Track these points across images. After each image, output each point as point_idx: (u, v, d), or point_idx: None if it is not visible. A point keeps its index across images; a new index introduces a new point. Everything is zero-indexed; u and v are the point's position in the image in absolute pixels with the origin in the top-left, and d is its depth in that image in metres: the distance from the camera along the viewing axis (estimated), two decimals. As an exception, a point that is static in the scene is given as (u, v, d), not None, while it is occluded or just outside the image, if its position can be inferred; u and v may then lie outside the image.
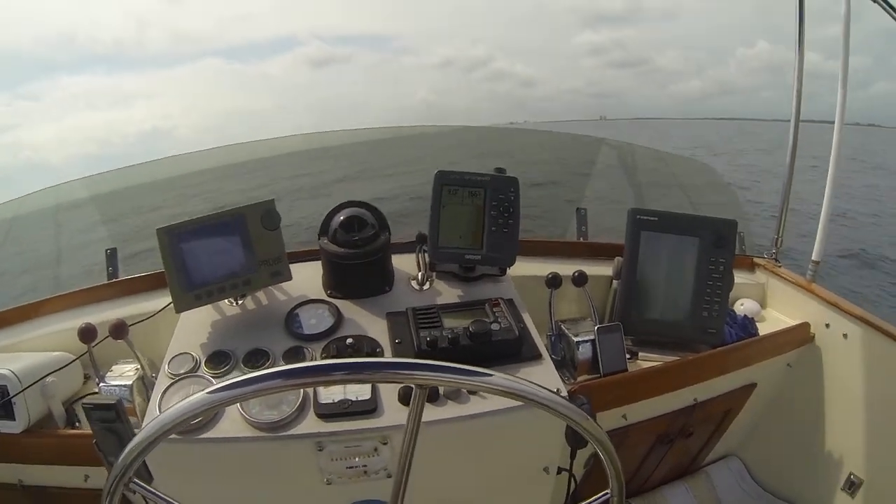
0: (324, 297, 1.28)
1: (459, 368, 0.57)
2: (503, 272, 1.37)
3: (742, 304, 1.72)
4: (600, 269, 1.62)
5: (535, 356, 1.12)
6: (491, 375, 0.58)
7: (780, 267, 1.83)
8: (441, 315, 1.16)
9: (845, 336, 1.58)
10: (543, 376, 1.09)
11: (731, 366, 1.51)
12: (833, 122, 1.68)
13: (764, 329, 1.65)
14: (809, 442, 1.72)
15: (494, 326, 1.10)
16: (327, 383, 0.58)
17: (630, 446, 1.55)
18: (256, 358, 1.11)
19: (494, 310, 1.17)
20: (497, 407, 1.00)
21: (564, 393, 1.07)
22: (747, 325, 1.59)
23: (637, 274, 1.49)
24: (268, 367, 0.80)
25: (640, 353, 1.46)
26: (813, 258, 1.78)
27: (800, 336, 1.66)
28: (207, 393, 0.54)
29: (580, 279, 1.43)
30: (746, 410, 1.74)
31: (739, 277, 1.84)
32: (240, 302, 1.28)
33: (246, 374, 0.54)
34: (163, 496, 0.69)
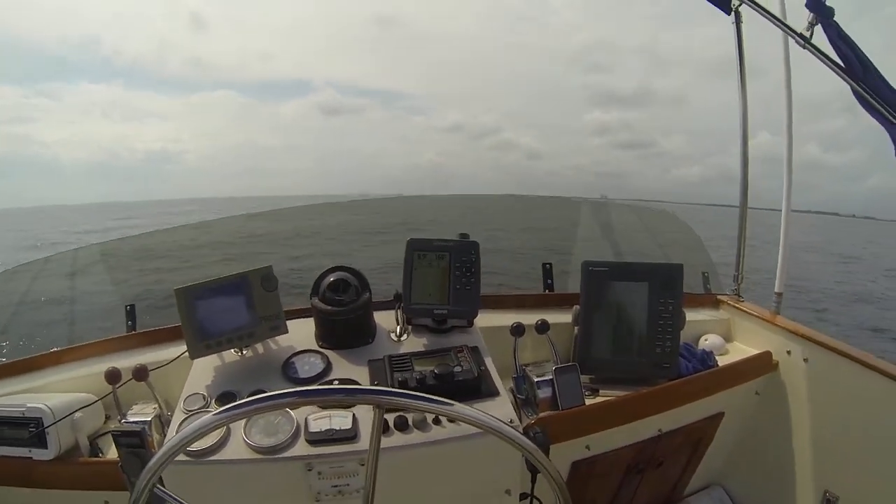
0: (315, 347, 1.56)
1: (416, 395, 0.81)
2: (470, 324, 1.64)
3: (706, 339, 1.96)
4: (563, 318, 1.87)
5: (493, 393, 1.37)
6: (452, 404, 0.81)
7: (742, 301, 2.07)
8: (413, 361, 1.44)
9: (806, 360, 1.80)
10: (498, 409, 1.33)
11: (690, 396, 1.71)
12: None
13: (729, 360, 1.86)
14: (785, 465, 1.90)
15: (457, 369, 1.37)
16: (304, 404, 0.85)
17: (600, 475, 1.75)
18: (258, 397, 1.39)
19: (459, 355, 1.44)
20: (457, 434, 1.25)
21: (517, 423, 1.31)
22: (706, 358, 1.82)
23: (593, 319, 1.75)
24: None
25: (602, 390, 1.69)
26: (776, 290, 2.03)
27: (762, 364, 1.87)
28: (214, 415, 0.78)
29: (542, 327, 1.69)
30: (720, 439, 1.94)
31: (705, 314, 2.08)
32: (244, 352, 1.56)
33: None
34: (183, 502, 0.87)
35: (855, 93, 1.54)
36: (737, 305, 2.07)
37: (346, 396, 0.93)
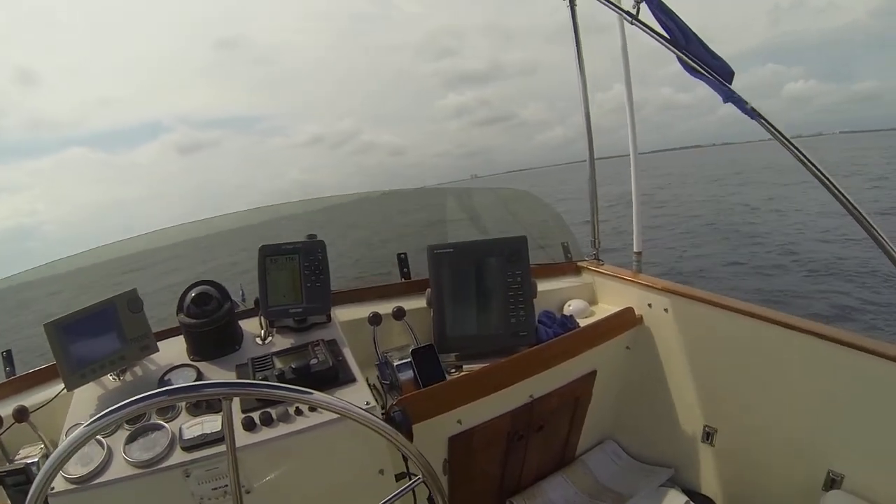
0: (188, 361, 1.75)
1: (260, 384, 1.03)
2: (329, 318, 1.88)
3: (570, 305, 2.24)
4: (420, 303, 2.11)
5: (350, 380, 1.60)
6: (312, 393, 1.00)
7: (602, 265, 2.37)
8: (274, 359, 1.66)
9: (667, 310, 2.09)
10: (354, 395, 1.54)
11: (555, 359, 1.92)
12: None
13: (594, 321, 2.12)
14: (665, 408, 2.20)
15: (313, 361, 1.59)
16: (167, 403, 1.02)
17: (482, 447, 1.96)
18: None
19: (315, 349, 1.67)
20: (318, 422, 1.43)
21: (374, 405, 1.51)
22: (566, 322, 2.10)
23: (445, 300, 2.00)
24: (144, 420, 1.40)
25: (466, 366, 1.93)
26: (635, 250, 2.32)
27: (626, 319, 2.14)
28: (85, 426, 0.90)
29: (398, 313, 1.94)
30: (599, 395, 2.21)
31: (568, 282, 2.37)
32: (121, 377, 1.73)
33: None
34: None
35: (681, 61, 1.68)
36: (598, 269, 2.35)
37: (194, 393, 1.07)
